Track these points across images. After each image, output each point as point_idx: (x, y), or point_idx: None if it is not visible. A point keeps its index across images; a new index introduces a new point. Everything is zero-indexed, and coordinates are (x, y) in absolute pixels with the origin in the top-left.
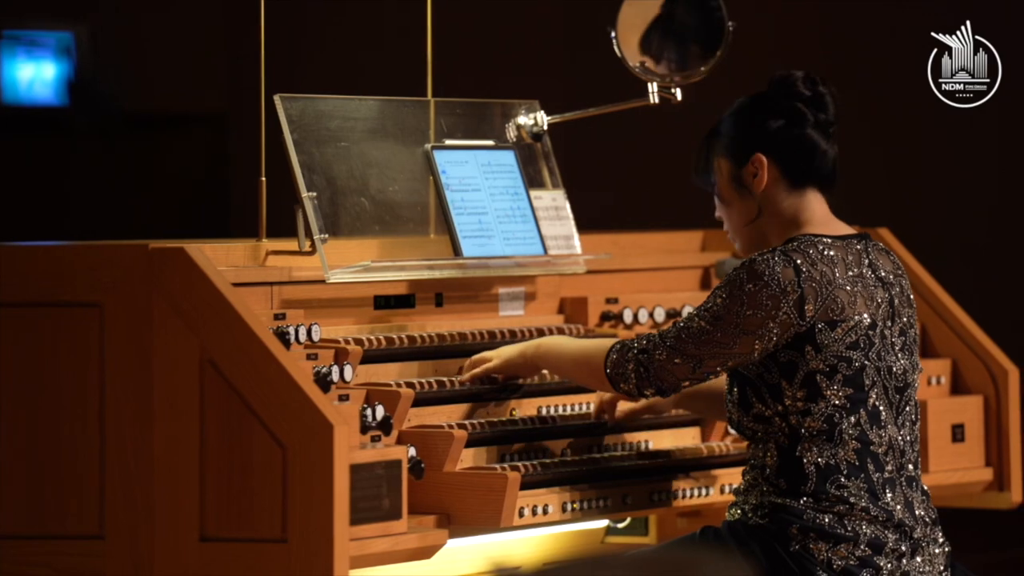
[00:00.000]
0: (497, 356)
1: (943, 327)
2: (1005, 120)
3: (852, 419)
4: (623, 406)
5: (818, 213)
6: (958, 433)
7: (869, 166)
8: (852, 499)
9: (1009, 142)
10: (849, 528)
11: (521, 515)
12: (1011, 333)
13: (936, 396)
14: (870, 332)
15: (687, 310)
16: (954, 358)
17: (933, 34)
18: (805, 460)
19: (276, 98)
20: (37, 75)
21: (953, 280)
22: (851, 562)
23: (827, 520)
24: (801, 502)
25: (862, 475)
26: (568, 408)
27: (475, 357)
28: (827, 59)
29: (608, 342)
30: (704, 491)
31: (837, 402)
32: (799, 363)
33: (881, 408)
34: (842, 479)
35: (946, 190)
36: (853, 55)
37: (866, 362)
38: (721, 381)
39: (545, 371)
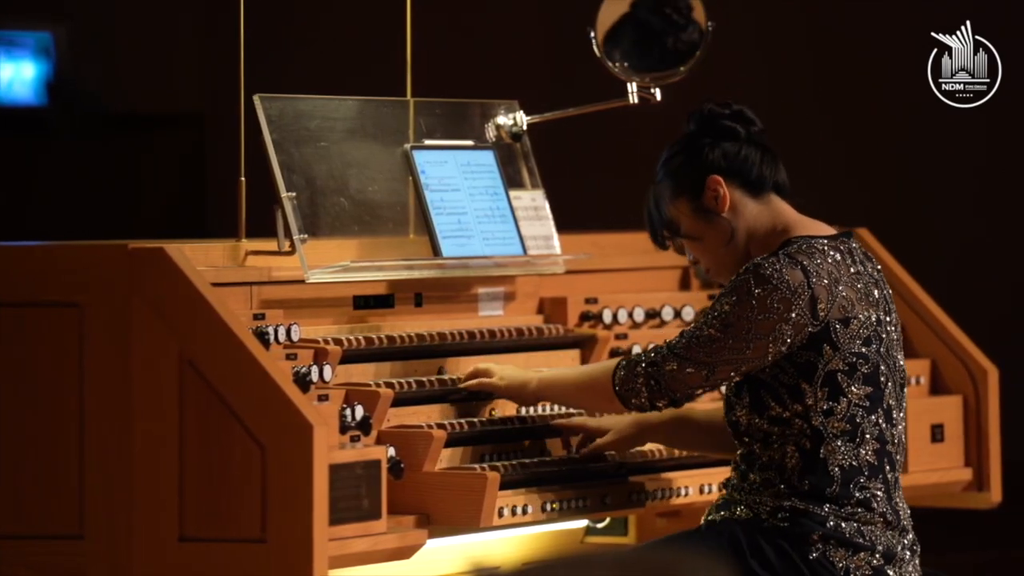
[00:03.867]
0: (501, 377)
1: (922, 327)
2: (1005, 120)
3: (872, 418)
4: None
5: (794, 217)
6: (937, 433)
7: (868, 166)
8: (873, 503)
9: (1008, 142)
10: (867, 537)
11: (500, 515)
12: (990, 333)
13: (915, 396)
14: (877, 328)
15: (667, 310)
16: (933, 358)
17: (933, 34)
18: (830, 461)
19: (255, 98)
20: (16, 75)
21: (941, 280)
22: (866, 572)
23: (849, 529)
24: (826, 508)
25: (880, 476)
26: (547, 408)
27: (480, 368)
28: (826, 59)
29: (612, 362)
30: (684, 491)
31: (858, 401)
32: (818, 363)
33: (892, 405)
34: (863, 480)
35: (946, 190)
36: (852, 55)
37: (879, 358)
38: (708, 413)
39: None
